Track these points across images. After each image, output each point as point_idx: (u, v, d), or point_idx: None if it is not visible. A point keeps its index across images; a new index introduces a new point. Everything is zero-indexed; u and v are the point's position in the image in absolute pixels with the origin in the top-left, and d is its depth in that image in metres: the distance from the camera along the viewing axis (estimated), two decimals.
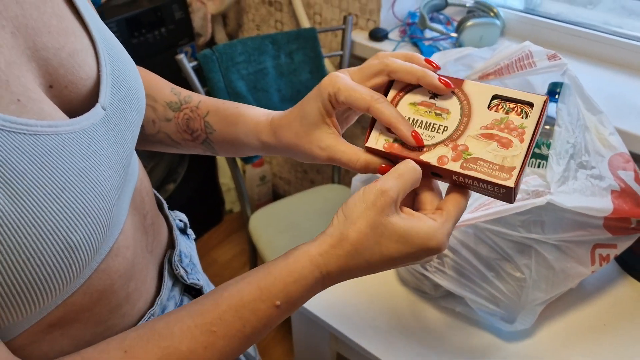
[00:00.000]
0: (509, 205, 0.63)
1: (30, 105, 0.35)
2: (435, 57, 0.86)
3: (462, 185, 0.44)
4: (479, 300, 0.72)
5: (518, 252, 0.70)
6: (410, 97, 0.46)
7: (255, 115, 0.53)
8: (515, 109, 0.44)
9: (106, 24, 0.51)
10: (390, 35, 1.35)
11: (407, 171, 0.43)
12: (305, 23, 1.45)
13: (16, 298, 0.33)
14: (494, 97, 0.44)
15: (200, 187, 1.79)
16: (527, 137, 0.42)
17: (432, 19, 1.36)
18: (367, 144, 0.46)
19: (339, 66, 1.37)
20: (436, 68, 0.46)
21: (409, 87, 0.47)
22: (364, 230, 0.41)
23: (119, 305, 0.43)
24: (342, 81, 0.45)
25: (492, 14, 1.30)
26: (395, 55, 0.47)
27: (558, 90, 0.75)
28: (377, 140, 0.46)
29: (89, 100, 0.41)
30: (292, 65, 1.30)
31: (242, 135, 0.53)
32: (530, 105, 0.43)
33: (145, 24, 1.41)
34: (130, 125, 0.44)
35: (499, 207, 0.63)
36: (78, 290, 0.39)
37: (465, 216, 0.64)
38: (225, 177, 1.90)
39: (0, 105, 0.33)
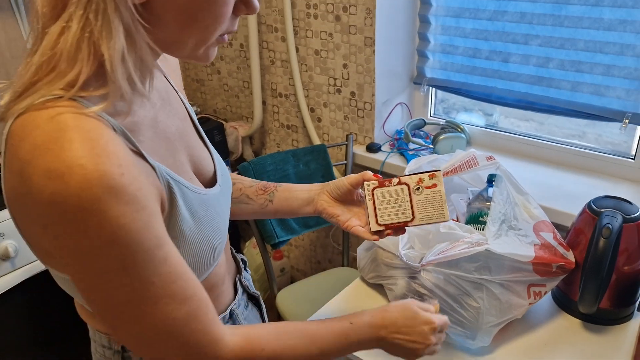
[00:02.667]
0: (460, 251, 0.96)
1: (194, 181, 0.71)
2: (413, 161, 1.23)
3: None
4: (451, 325, 1.02)
5: (474, 288, 1.02)
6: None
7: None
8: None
9: None
10: (383, 148, 1.74)
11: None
12: (317, 141, 1.85)
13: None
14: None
15: None
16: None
17: (414, 135, 1.76)
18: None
19: (344, 172, 1.75)
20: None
21: None
22: (397, 305, 0.80)
23: (219, 294, 0.78)
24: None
25: (459, 129, 1.70)
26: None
27: (493, 179, 1.11)
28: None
29: (210, 182, 0.77)
30: (308, 172, 1.68)
31: (299, 186, 0.93)
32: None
33: None
34: (228, 196, 0.81)
35: (453, 252, 0.96)
36: (204, 280, 0.72)
37: (430, 258, 0.97)
38: (249, 268, 2.21)
39: (189, 180, 0.69)
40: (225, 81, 2.11)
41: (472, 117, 1.77)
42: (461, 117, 1.79)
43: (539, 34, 1.49)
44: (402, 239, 1.07)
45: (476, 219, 1.10)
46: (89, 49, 0.54)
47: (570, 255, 1.08)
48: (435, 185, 0.84)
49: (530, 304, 1.05)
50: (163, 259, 0.57)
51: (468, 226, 1.06)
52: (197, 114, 1.98)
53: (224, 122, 2.03)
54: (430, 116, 1.85)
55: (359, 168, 1.79)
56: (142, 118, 0.64)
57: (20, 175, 0.52)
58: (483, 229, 1.07)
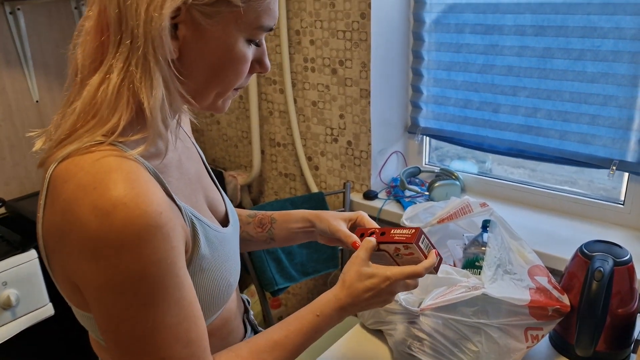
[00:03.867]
0: (458, 295, 0.99)
1: (213, 220, 0.74)
2: (410, 209, 1.27)
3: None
4: None
5: (472, 333, 1.04)
6: None
7: (301, 210, 0.96)
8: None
9: None
10: (379, 195, 1.78)
11: (367, 242, 0.83)
12: (314, 189, 1.90)
13: (205, 310, 0.69)
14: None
15: None
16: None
17: (410, 182, 1.81)
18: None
19: None
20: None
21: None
22: (353, 276, 0.79)
23: (233, 330, 0.80)
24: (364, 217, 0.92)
25: (453, 177, 1.75)
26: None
27: (488, 225, 1.14)
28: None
29: (223, 221, 0.81)
30: None
31: (293, 221, 0.95)
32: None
33: None
34: (238, 235, 0.84)
35: (450, 296, 0.99)
36: (219, 315, 0.75)
37: (429, 302, 0.99)
38: None
39: (211, 219, 0.73)
40: (224, 131, 2.17)
41: (465, 164, 1.83)
42: (455, 165, 1.84)
43: (526, 85, 1.56)
44: None
45: (472, 264, 1.13)
46: (127, 98, 0.59)
47: (565, 299, 1.10)
48: (411, 254, 0.86)
49: (528, 347, 1.06)
50: (178, 300, 0.60)
51: (465, 271, 1.09)
52: None
53: (223, 171, 2.07)
54: (425, 164, 1.90)
55: None
56: (169, 160, 0.69)
57: (63, 213, 0.56)
58: (479, 274, 1.10)
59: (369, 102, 1.69)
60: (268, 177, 2.09)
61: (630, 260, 1.07)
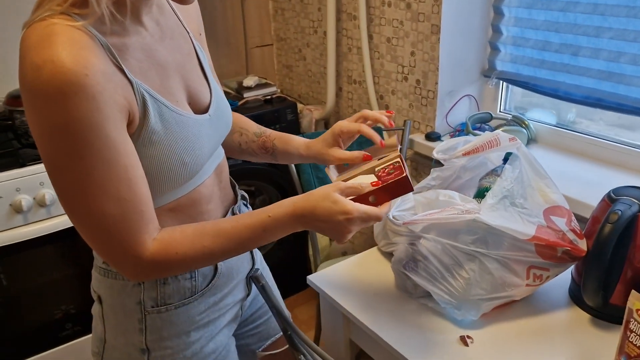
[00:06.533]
0: (447, 216, 0.97)
1: (182, 106, 0.82)
2: (445, 142, 1.23)
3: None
4: (440, 293, 1.03)
5: (467, 260, 1.01)
6: None
7: (299, 139, 1.03)
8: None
9: None
10: (443, 138, 1.74)
11: (356, 187, 0.83)
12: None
13: (160, 182, 0.77)
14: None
15: (291, 256, 2.23)
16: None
17: (480, 128, 1.73)
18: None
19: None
20: (389, 113, 0.95)
21: None
22: (320, 194, 0.81)
23: (203, 213, 0.87)
24: (342, 123, 0.96)
25: (523, 125, 1.65)
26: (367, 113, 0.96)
27: (508, 157, 1.09)
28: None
29: (204, 110, 0.88)
30: None
31: (290, 149, 1.02)
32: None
33: (267, 121, 1.96)
34: (219, 128, 0.90)
35: (439, 215, 0.97)
36: (185, 195, 0.83)
37: (413, 218, 0.99)
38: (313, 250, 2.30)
39: (175, 102, 0.80)
40: (309, 67, 2.24)
41: (546, 115, 1.70)
42: (533, 114, 1.72)
43: (611, 26, 1.41)
44: (403, 204, 1.10)
45: (482, 194, 1.09)
46: None
47: (582, 244, 1.02)
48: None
49: (528, 285, 1.01)
50: (107, 160, 0.68)
51: (469, 198, 1.06)
52: (276, 94, 2.13)
53: (297, 103, 2.15)
54: (500, 111, 1.80)
55: (416, 156, 1.81)
56: (133, 42, 0.77)
57: (19, 71, 0.67)
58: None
59: (439, 39, 1.64)
60: (344, 114, 2.12)
61: None
